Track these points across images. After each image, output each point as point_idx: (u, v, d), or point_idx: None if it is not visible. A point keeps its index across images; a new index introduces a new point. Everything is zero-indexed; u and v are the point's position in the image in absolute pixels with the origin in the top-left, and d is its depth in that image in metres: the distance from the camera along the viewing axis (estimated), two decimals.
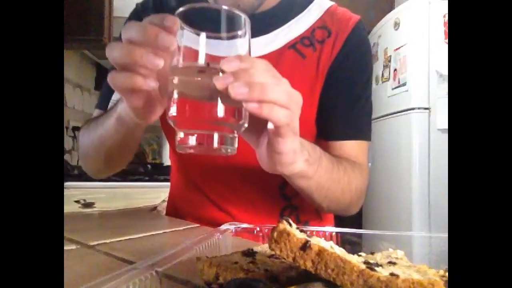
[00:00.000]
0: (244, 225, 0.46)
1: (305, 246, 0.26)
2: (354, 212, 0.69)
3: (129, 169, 1.86)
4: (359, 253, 0.35)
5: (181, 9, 0.36)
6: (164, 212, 0.89)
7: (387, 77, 2.30)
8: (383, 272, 0.25)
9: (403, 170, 2.06)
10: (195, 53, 0.36)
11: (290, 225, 0.29)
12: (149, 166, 2.18)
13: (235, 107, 0.35)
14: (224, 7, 0.36)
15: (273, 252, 0.27)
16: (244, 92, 0.33)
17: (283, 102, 0.35)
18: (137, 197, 1.54)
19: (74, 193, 1.31)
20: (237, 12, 0.37)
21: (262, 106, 0.34)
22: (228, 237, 0.44)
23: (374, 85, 2.02)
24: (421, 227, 1.93)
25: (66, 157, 2.12)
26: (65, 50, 1.94)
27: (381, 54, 2.38)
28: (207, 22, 0.36)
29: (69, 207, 0.96)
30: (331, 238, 0.42)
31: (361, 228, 0.62)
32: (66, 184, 1.52)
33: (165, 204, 0.91)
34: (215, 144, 0.36)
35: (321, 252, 0.26)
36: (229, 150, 0.37)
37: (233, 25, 0.37)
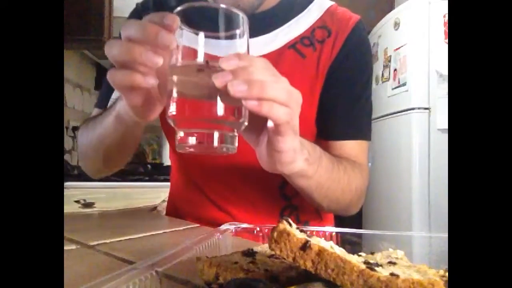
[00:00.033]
0: (244, 225, 0.46)
1: (305, 246, 0.26)
2: (354, 212, 0.69)
3: (129, 169, 1.86)
4: (359, 253, 0.35)
5: (179, 8, 0.36)
6: (164, 212, 0.89)
7: (387, 77, 2.30)
8: (383, 272, 0.25)
9: (403, 170, 2.06)
10: (194, 52, 0.36)
11: (290, 225, 0.29)
12: (149, 166, 2.19)
13: (234, 105, 0.35)
14: (223, 5, 0.36)
15: (273, 252, 0.27)
16: (243, 89, 0.33)
17: (282, 100, 0.35)
18: (137, 197, 1.54)
19: (74, 193, 1.31)
20: (235, 10, 0.37)
21: (261, 103, 0.34)
22: (228, 237, 0.44)
23: (374, 85, 2.01)
24: (421, 227, 1.93)
25: (66, 157, 2.12)
26: (65, 50, 1.94)
27: (381, 54, 2.38)
28: (205, 21, 0.36)
29: (69, 207, 0.96)
30: (331, 238, 0.42)
31: (361, 228, 0.62)
32: (66, 184, 1.52)
33: (165, 204, 0.91)
34: (215, 143, 0.36)
35: (321, 252, 0.26)
36: (229, 149, 0.37)
37: (231, 24, 0.37)
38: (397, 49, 2.17)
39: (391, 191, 2.18)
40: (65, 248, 0.48)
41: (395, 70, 2.20)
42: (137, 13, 0.77)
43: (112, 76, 0.37)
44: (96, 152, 0.65)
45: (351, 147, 0.69)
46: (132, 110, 0.43)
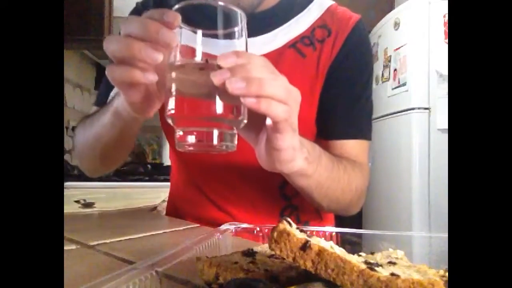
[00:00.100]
0: (244, 225, 0.46)
1: (305, 246, 0.26)
2: (355, 212, 0.69)
3: (129, 169, 1.87)
4: (359, 253, 0.35)
5: (178, 5, 0.36)
6: (164, 212, 0.89)
7: (387, 77, 2.30)
8: (383, 272, 0.25)
9: (403, 170, 2.06)
10: (192, 51, 0.36)
11: (290, 225, 0.29)
12: (149, 166, 2.19)
13: (233, 103, 0.35)
14: (221, 3, 0.36)
15: (273, 252, 0.27)
16: (242, 87, 0.33)
17: (281, 97, 0.35)
18: (137, 197, 1.54)
19: (74, 193, 1.31)
20: (233, 8, 0.37)
21: (260, 101, 0.34)
22: (228, 237, 0.44)
23: (374, 85, 2.01)
24: (421, 227, 1.93)
25: (66, 157, 2.12)
26: (65, 50, 1.94)
27: (381, 54, 2.38)
28: (204, 19, 0.35)
29: (69, 207, 0.96)
30: (331, 238, 0.42)
31: (361, 228, 0.62)
32: (66, 184, 1.53)
33: (165, 204, 0.91)
34: (215, 141, 0.36)
35: (321, 252, 0.26)
36: (229, 147, 0.37)
37: (229, 21, 0.37)
38: (397, 49, 2.17)
39: (391, 191, 2.18)
40: (65, 248, 0.48)
41: (395, 70, 2.20)
42: (138, 13, 0.77)
43: (111, 72, 0.37)
44: (93, 150, 0.64)
45: (351, 146, 0.69)
46: (130, 106, 0.43)
